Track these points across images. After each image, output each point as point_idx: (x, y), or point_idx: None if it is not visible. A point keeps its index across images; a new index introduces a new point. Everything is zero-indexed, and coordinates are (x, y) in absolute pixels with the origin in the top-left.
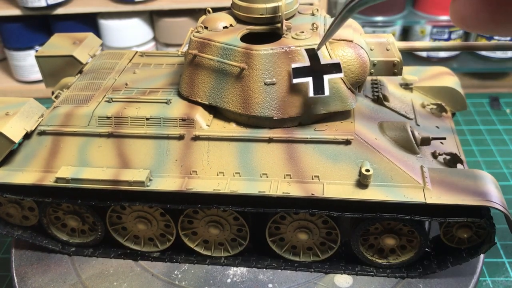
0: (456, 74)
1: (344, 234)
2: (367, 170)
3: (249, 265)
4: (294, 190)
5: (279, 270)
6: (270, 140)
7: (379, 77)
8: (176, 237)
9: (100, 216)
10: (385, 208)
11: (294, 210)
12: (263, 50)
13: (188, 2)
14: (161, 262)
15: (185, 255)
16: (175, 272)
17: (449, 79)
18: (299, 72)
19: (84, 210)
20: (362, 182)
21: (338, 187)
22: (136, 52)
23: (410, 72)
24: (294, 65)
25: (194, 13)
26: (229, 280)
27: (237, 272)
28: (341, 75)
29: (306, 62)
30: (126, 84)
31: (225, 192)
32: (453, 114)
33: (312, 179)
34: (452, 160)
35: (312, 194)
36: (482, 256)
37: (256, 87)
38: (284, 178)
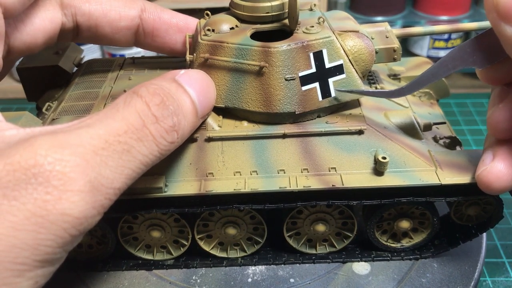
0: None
1: (359, 222)
2: (384, 158)
3: (267, 263)
4: (314, 183)
5: (298, 265)
6: (284, 136)
7: (373, 69)
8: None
9: (111, 228)
10: (399, 193)
11: (314, 203)
12: (282, 46)
13: (188, 2)
14: (176, 269)
15: (200, 259)
16: (193, 278)
17: None
18: (306, 79)
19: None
20: (379, 169)
21: (356, 176)
22: (125, 58)
23: (394, 63)
24: (301, 73)
25: (194, 13)
26: (250, 280)
27: (256, 270)
28: (343, 76)
29: (312, 68)
30: (125, 91)
31: (246, 191)
32: (437, 101)
33: (329, 171)
34: (452, 143)
35: (333, 186)
36: (482, 256)
37: (277, 84)
38: (302, 172)
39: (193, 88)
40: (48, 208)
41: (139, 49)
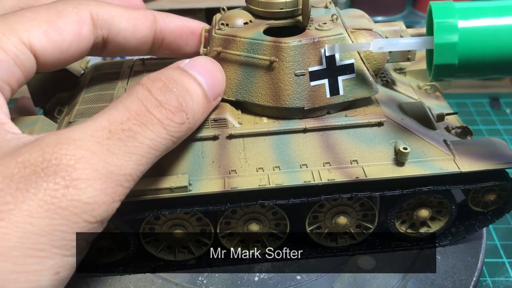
0: None
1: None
2: (405, 148)
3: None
4: (337, 176)
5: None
6: (305, 131)
7: None
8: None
9: (133, 230)
10: (420, 182)
11: (337, 196)
12: (292, 42)
13: (188, 2)
14: (181, 271)
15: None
16: (200, 279)
17: None
18: (315, 74)
19: (114, 226)
20: (400, 160)
21: (378, 168)
22: (134, 60)
23: None
24: (311, 69)
25: (194, 13)
26: (256, 278)
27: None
28: (353, 75)
29: (323, 65)
30: None
31: (271, 186)
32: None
33: (351, 163)
34: (464, 132)
35: (356, 178)
36: (482, 256)
37: (287, 79)
38: (324, 166)
39: (197, 72)
40: (57, 196)
41: None
